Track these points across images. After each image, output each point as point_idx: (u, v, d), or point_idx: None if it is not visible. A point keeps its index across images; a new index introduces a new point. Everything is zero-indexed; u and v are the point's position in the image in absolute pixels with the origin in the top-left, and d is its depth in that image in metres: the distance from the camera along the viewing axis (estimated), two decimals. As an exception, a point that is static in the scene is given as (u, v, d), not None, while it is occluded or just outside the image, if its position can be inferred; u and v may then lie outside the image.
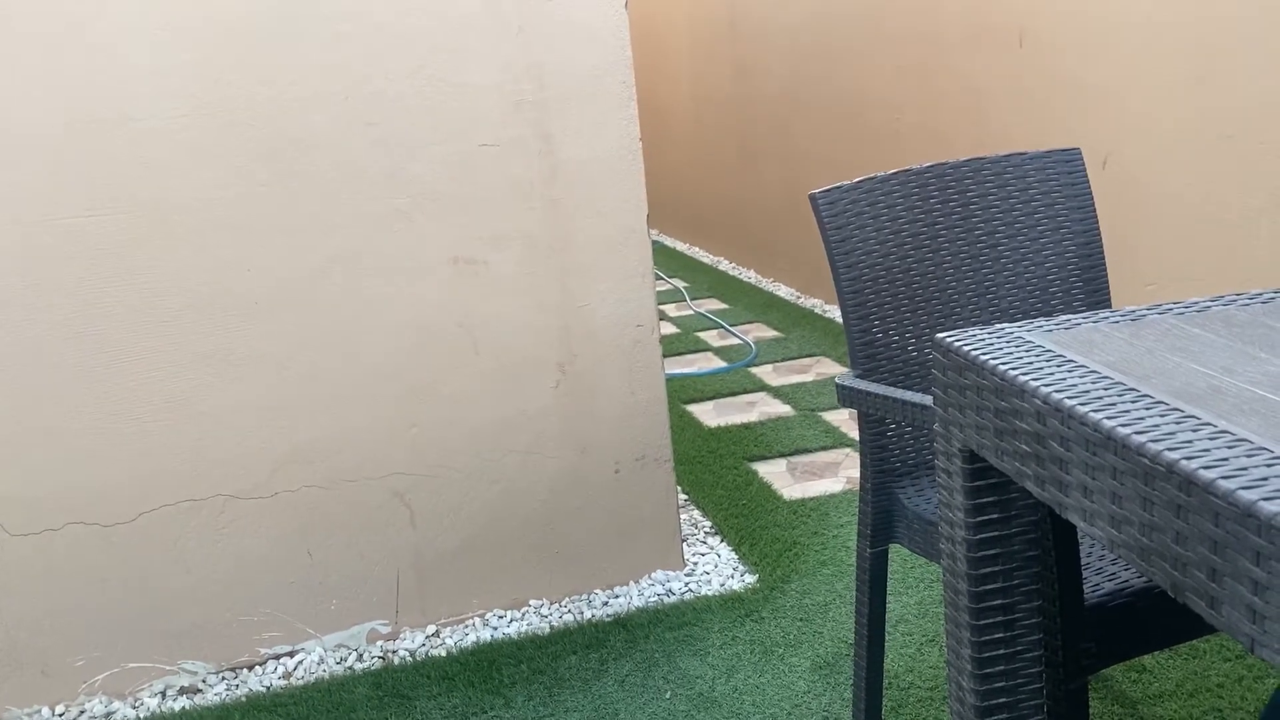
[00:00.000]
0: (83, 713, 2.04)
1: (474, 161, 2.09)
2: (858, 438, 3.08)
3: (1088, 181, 1.58)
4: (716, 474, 2.86)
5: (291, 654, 2.16)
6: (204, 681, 2.10)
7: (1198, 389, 0.80)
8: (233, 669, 2.13)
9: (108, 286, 1.96)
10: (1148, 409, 0.76)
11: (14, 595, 2.00)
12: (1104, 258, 1.59)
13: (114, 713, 2.04)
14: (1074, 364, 0.88)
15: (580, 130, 2.13)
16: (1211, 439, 0.70)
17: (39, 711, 2.04)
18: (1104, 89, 2.70)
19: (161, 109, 1.93)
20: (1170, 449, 0.69)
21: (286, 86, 1.98)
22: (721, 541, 2.49)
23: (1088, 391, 0.81)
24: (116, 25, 1.89)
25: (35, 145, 1.89)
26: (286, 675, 2.11)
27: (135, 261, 1.96)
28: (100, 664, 2.06)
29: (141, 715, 2.02)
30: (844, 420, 3.19)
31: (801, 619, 2.13)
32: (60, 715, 2.04)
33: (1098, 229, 1.59)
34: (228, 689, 2.08)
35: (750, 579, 2.31)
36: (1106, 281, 1.60)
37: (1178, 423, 0.73)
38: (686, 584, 2.30)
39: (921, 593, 2.18)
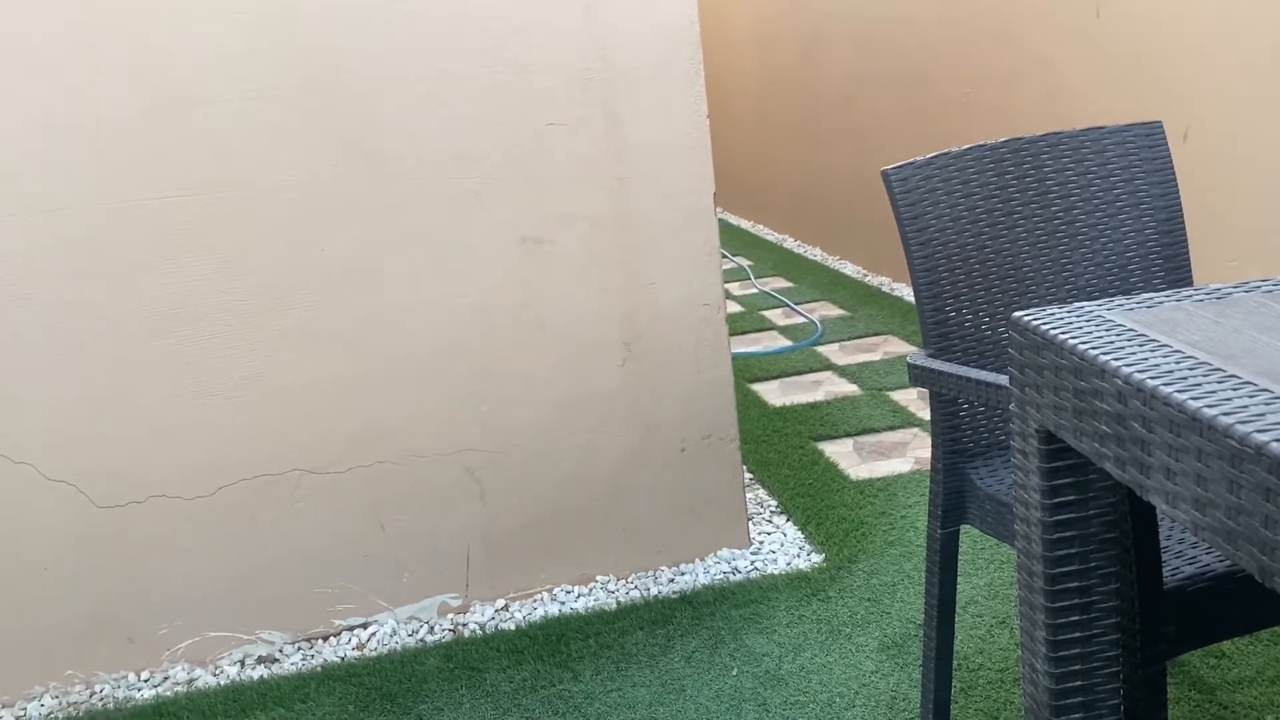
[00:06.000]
0: (166, 679, 2.11)
1: (541, 141, 2.10)
2: (927, 417, 3.05)
3: (1169, 156, 1.54)
4: (782, 453, 2.85)
5: (365, 625, 2.20)
6: (281, 651, 2.16)
7: (1288, 369, 0.78)
8: (308, 639, 2.19)
9: (187, 266, 2.01)
10: (1235, 389, 0.75)
11: (101, 565, 2.07)
12: (1185, 234, 1.55)
13: (196, 679, 2.10)
14: (1156, 343, 0.86)
15: (647, 109, 2.13)
16: (1303, 421, 0.68)
17: (125, 677, 2.12)
18: (1184, 59, 2.62)
19: (238, 92, 1.96)
20: (1260, 430, 0.67)
21: (359, 68, 2.00)
22: (787, 521, 2.49)
23: (1171, 371, 0.79)
24: (192, 8, 1.92)
25: (116, 128, 1.94)
26: (360, 646, 2.16)
27: (213, 242, 2.01)
28: (182, 633, 2.13)
29: (222, 683, 2.09)
30: (912, 400, 3.16)
31: (869, 599, 2.12)
32: (145, 681, 2.11)
33: (1179, 205, 1.55)
34: (303, 659, 2.13)
35: (817, 558, 2.30)
36: (1188, 259, 1.56)
37: (1267, 404, 0.72)
38: (752, 562, 2.30)
39: (991, 574, 2.16)
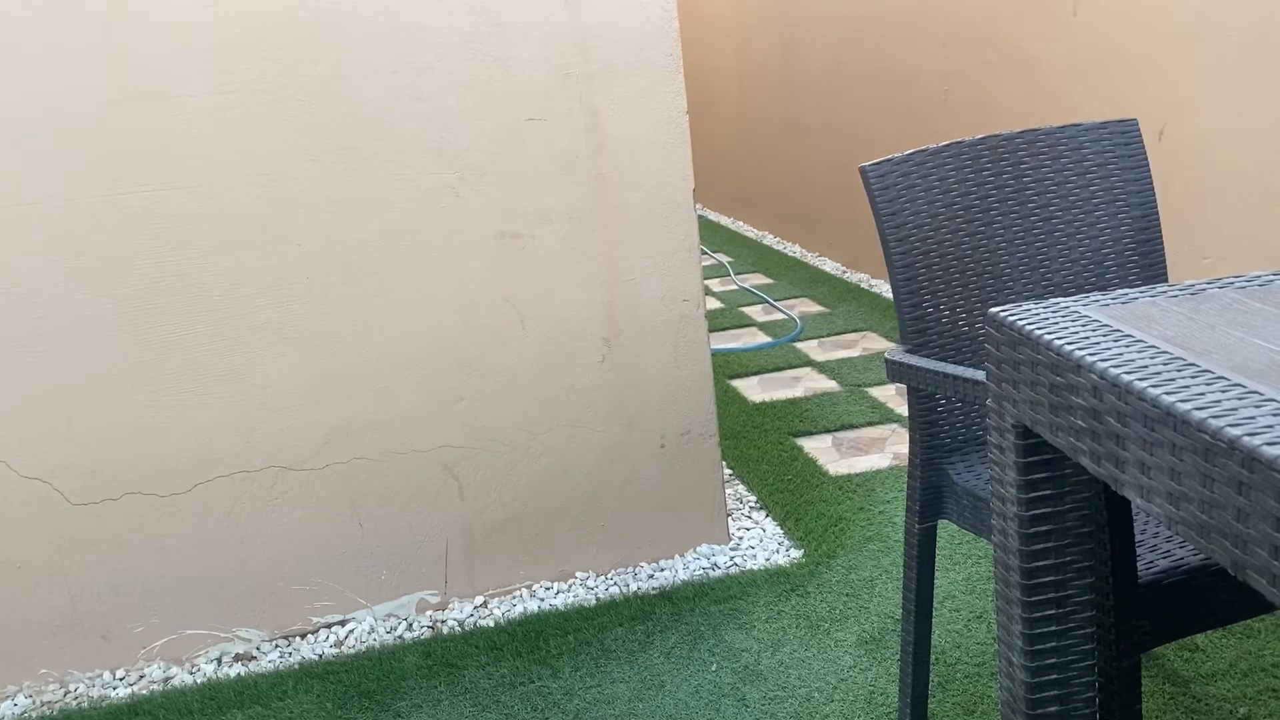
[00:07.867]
0: (142, 677, 2.09)
1: (521, 136, 2.09)
2: (905, 413, 3.07)
3: (1145, 153, 1.55)
4: (761, 449, 2.86)
5: (343, 623, 2.19)
6: (258, 649, 2.15)
7: (1260, 364, 0.78)
8: (286, 637, 2.17)
9: (163, 261, 1.99)
10: (1208, 384, 0.75)
11: (75, 563, 2.05)
12: (1160, 231, 1.56)
13: (172, 677, 2.09)
14: (1131, 339, 0.87)
15: (626, 103, 2.12)
16: (1275, 415, 0.69)
17: (100, 676, 2.10)
18: (1161, 57, 2.64)
19: (213, 85, 1.95)
20: (1232, 425, 0.68)
21: (336, 62, 1.99)
22: (766, 516, 2.49)
23: (1146, 367, 0.80)
24: (165, 1, 1.91)
25: (89, 122, 1.92)
26: (338, 644, 2.15)
27: (189, 237, 1.99)
28: (159, 630, 2.11)
29: (199, 681, 2.07)
30: (890, 396, 3.17)
31: (847, 594, 2.13)
32: (121, 679, 2.09)
33: (1154, 202, 1.56)
34: (281, 656, 2.12)
35: (795, 554, 2.31)
36: (1163, 255, 1.57)
37: (1240, 399, 0.72)
38: (731, 558, 2.31)
39: (969, 569, 2.17)
